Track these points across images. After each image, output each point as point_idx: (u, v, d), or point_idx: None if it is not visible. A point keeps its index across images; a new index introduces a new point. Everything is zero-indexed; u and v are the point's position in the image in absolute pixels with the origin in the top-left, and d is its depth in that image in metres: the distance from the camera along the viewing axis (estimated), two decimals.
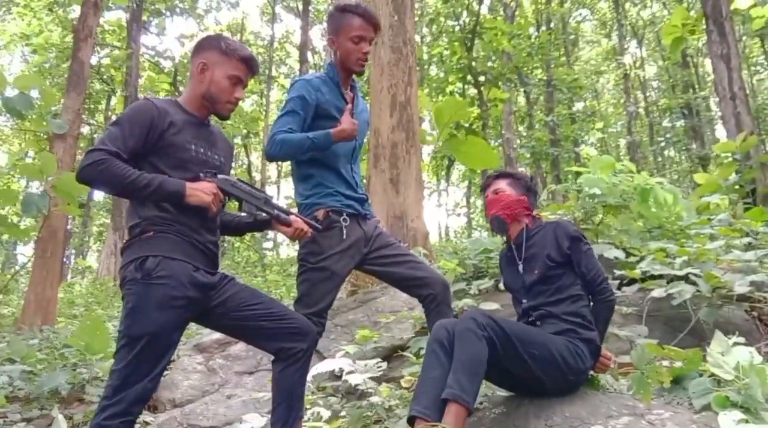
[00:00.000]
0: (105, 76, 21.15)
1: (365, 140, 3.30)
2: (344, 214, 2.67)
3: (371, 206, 2.96)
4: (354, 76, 2.84)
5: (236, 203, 2.40)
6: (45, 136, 9.53)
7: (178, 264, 2.16)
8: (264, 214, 2.43)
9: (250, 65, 2.40)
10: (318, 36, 25.82)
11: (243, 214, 2.41)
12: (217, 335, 4.93)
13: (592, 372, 2.57)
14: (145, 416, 4.06)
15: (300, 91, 2.67)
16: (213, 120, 2.50)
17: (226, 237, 3.00)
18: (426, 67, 20.83)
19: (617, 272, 4.00)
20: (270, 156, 2.60)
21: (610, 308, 2.61)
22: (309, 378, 3.04)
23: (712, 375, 2.37)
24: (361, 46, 2.70)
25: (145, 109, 2.23)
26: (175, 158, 2.24)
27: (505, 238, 2.84)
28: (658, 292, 3.61)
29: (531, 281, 2.59)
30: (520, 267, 2.67)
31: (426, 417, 2.11)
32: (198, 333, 5.73)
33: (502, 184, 2.74)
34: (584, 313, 2.53)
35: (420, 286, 2.71)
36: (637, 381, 2.56)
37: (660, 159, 26.20)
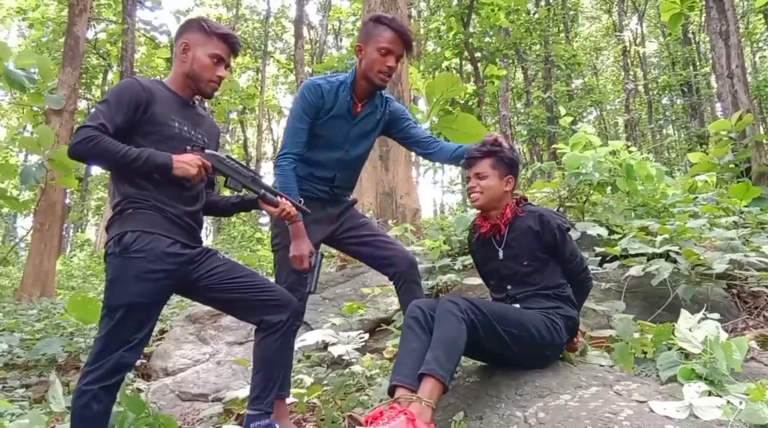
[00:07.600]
0: (101, 51, 20.97)
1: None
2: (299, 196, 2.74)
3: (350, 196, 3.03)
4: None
5: (224, 179, 2.43)
6: (41, 111, 9.55)
7: (155, 238, 2.24)
8: (249, 192, 2.47)
9: (230, 43, 2.44)
10: (314, 11, 25.51)
11: (228, 189, 2.45)
12: (209, 306, 5.02)
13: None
14: (139, 383, 4.19)
15: None
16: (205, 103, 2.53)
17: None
18: (423, 42, 20.64)
19: (598, 249, 4.05)
20: None
21: (586, 292, 2.74)
22: (295, 348, 3.13)
23: (680, 348, 2.42)
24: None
25: (130, 87, 2.29)
26: (159, 134, 2.30)
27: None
28: (635, 270, 3.60)
29: (522, 272, 2.60)
30: (500, 254, 2.65)
31: (406, 385, 2.15)
32: (191, 305, 5.83)
33: (486, 167, 2.62)
34: (567, 294, 2.61)
35: (386, 265, 2.81)
36: (620, 351, 2.64)
37: (658, 137, 26.09)
